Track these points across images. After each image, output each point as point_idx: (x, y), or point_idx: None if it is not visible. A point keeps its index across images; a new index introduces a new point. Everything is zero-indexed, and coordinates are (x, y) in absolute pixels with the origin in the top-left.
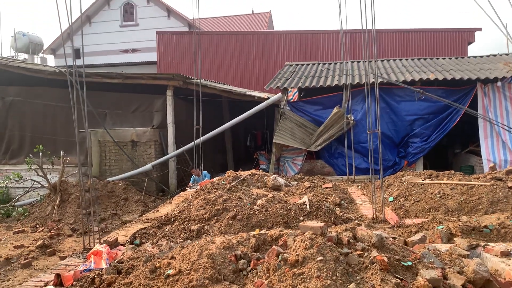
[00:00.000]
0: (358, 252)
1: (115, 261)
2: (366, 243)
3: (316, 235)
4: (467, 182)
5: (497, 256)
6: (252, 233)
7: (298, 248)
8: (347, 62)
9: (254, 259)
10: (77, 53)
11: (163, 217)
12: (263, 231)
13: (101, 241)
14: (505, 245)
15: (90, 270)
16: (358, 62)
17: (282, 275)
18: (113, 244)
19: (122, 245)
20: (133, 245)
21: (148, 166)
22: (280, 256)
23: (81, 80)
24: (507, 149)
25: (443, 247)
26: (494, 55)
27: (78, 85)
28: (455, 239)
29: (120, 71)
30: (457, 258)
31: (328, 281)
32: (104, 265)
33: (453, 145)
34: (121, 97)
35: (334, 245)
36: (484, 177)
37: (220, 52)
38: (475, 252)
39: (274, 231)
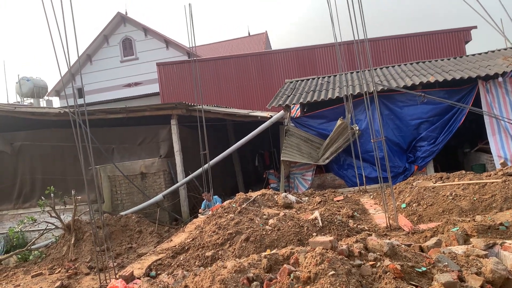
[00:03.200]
0: (371, 263)
1: None
2: (378, 253)
3: (327, 249)
4: (478, 181)
5: None
6: (264, 254)
7: (309, 265)
8: (346, 74)
9: (266, 280)
10: (80, 92)
11: (177, 246)
12: (274, 251)
13: (117, 276)
14: None
15: None
16: (357, 72)
17: None
18: (129, 278)
19: (138, 278)
20: (149, 277)
21: (159, 196)
22: (292, 275)
23: (84, 119)
24: None
25: (460, 249)
26: (493, 51)
27: (82, 124)
28: (471, 239)
29: (124, 106)
30: (475, 259)
31: None
32: None
33: (462, 145)
34: (126, 131)
35: (346, 258)
36: (495, 174)
37: (220, 77)
38: (493, 251)
39: (285, 250)
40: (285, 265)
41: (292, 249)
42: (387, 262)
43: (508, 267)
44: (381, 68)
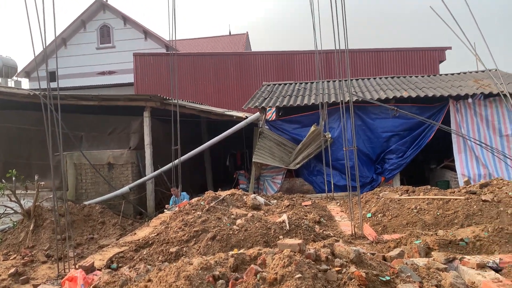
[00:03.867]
0: (337, 269)
1: (91, 287)
2: (344, 259)
3: (295, 252)
4: (443, 197)
5: (473, 268)
6: (231, 253)
7: (277, 266)
8: (323, 82)
9: (232, 279)
10: (52, 76)
11: (140, 240)
12: (241, 251)
13: (77, 266)
14: (480, 257)
15: None
16: (334, 81)
17: None
18: (89, 269)
19: (98, 269)
20: (110, 270)
21: (125, 188)
22: (258, 275)
23: (55, 103)
24: (480, 164)
25: (421, 261)
26: (465, 73)
27: (53, 108)
28: (432, 253)
29: (96, 93)
30: (435, 271)
31: None
32: None
33: (428, 160)
34: (97, 119)
35: (313, 262)
36: (459, 191)
37: (198, 73)
38: (452, 265)
39: (252, 250)
40: (252, 265)
41: (259, 249)
42: (352, 269)
43: (466, 281)
44: (357, 80)
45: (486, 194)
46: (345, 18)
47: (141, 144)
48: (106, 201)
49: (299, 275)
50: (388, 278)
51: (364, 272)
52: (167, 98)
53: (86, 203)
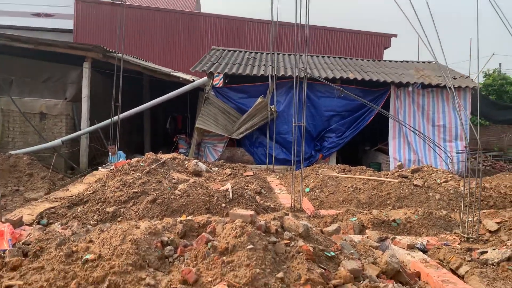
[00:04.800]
0: (285, 241)
1: (20, 243)
2: (293, 233)
3: (246, 223)
4: (378, 178)
5: (404, 248)
6: (179, 219)
7: (228, 236)
8: (273, 53)
9: (181, 246)
10: None
11: (74, 196)
12: (190, 217)
13: (3, 219)
14: (410, 238)
15: None
16: (284, 54)
17: (211, 263)
18: (17, 224)
19: (27, 225)
20: (40, 226)
21: (58, 141)
22: (209, 244)
23: None
24: (412, 150)
25: (356, 238)
26: (407, 61)
27: None
28: (366, 231)
29: (30, 36)
30: (369, 249)
31: (258, 270)
32: (6, 246)
33: (363, 142)
34: (31, 64)
35: (263, 234)
36: (392, 174)
37: (144, 28)
38: (384, 244)
39: (201, 218)
40: (203, 234)
41: (209, 217)
42: (301, 242)
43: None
44: (306, 56)
45: (417, 179)
46: None
47: (78, 96)
48: (35, 152)
49: (251, 246)
50: (333, 253)
51: (311, 246)
52: (111, 50)
53: (12, 152)
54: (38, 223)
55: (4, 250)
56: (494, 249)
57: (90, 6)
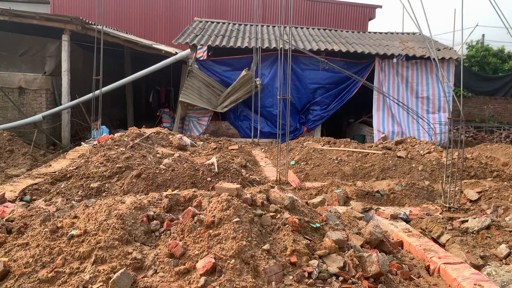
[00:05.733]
0: (271, 214)
1: (4, 220)
2: (278, 205)
3: (232, 196)
4: (362, 150)
5: (387, 219)
6: (165, 193)
7: (214, 210)
8: (257, 25)
9: (167, 220)
10: None
11: (57, 172)
12: (175, 192)
13: None
14: (393, 208)
15: None
16: (268, 26)
17: (198, 236)
18: (0, 201)
19: (10, 201)
20: (23, 202)
21: (38, 116)
22: (196, 218)
23: None
24: (395, 122)
25: (341, 209)
26: (392, 33)
27: None
28: (351, 202)
29: (6, 7)
30: (354, 220)
31: (244, 242)
32: None
33: (347, 114)
34: (7, 37)
35: (249, 207)
36: (376, 146)
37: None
38: (368, 214)
39: (187, 192)
40: (190, 207)
41: (195, 191)
42: (286, 215)
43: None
44: (290, 28)
45: (400, 151)
46: None
47: (58, 70)
48: (15, 128)
49: (237, 219)
50: (318, 225)
51: (297, 218)
52: (90, 22)
53: None
54: (21, 200)
55: None
56: (474, 218)
57: None
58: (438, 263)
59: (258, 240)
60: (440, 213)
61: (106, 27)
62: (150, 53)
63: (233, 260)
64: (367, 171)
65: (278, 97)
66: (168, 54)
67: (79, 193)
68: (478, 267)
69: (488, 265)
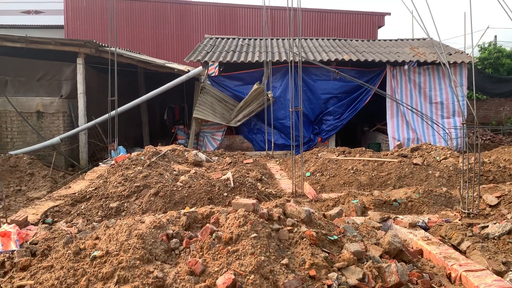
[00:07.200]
0: (288, 228)
1: (28, 243)
2: (295, 219)
3: (249, 212)
4: (378, 159)
5: (406, 227)
6: (183, 211)
7: (232, 226)
8: (267, 39)
9: (186, 238)
10: None
11: (77, 194)
12: (193, 209)
13: (9, 220)
14: (412, 217)
15: None
16: (278, 39)
17: (216, 253)
18: (23, 224)
19: (33, 224)
20: (46, 225)
21: (56, 139)
22: (214, 234)
23: None
24: (410, 128)
25: (358, 220)
26: (402, 40)
27: None
28: (368, 212)
29: (21, 34)
30: (372, 230)
31: (262, 257)
32: (14, 247)
33: (361, 123)
34: (24, 63)
35: (266, 222)
36: (391, 154)
37: (136, 21)
38: (386, 224)
39: (204, 209)
40: (207, 225)
41: (212, 208)
42: (303, 228)
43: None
44: (299, 39)
45: (416, 157)
46: None
47: (74, 93)
48: (34, 151)
49: (255, 234)
50: (336, 237)
51: (314, 231)
52: (103, 45)
53: (12, 152)
54: (44, 222)
55: (13, 251)
56: (494, 223)
57: (80, 1)
58: (459, 271)
59: (277, 255)
60: (459, 220)
61: (119, 48)
62: (163, 72)
63: (252, 276)
64: (383, 180)
65: (290, 109)
66: (180, 72)
67: (99, 213)
68: (500, 274)
69: (511, 271)
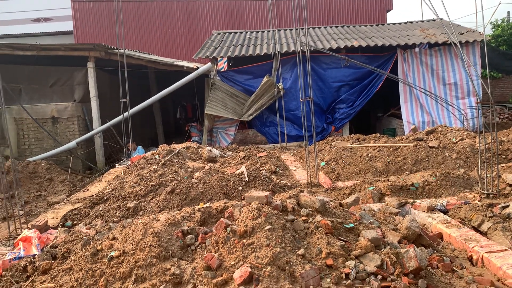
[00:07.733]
0: (303, 218)
1: (48, 246)
2: (310, 209)
3: (262, 204)
4: (393, 144)
5: (424, 211)
6: (197, 207)
7: (246, 219)
8: (274, 31)
9: (201, 233)
10: None
11: (94, 196)
12: (207, 204)
13: (29, 225)
14: (430, 201)
15: (20, 258)
16: (285, 30)
17: (232, 247)
18: (43, 228)
19: (53, 228)
20: (65, 228)
21: (72, 143)
22: (228, 228)
23: None
24: (425, 111)
25: (376, 206)
26: (411, 22)
27: None
28: (385, 198)
29: (32, 42)
30: (389, 216)
31: (278, 249)
32: (35, 251)
33: (375, 109)
34: (36, 70)
35: (280, 213)
36: (407, 138)
37: (143, 21)
38: (404, 209)
39: (219, 204)
40: (222, 219)
41: (226, 202)
42: (318, 218)
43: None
44: (307, 28)
45: (432, 140)
46: None
47: (87, 97)
48: (52, 156)
49: (269, 226)
50: (352, 225)
51: (329, 220)
52: (112, 47)
53: (30, 159)
54: (63, 226)
55: (34, 255)
56: None
57: (87, 5)
58: (481, 253)
59: (292, 246)
60: (478, 201)
61: (128, 50)
62: (173, 70)
63: (269, 268)
64: (399, 165)
65: (301, 100)
66: (190, 70)
67: (117, 214)
68: None
69: None
